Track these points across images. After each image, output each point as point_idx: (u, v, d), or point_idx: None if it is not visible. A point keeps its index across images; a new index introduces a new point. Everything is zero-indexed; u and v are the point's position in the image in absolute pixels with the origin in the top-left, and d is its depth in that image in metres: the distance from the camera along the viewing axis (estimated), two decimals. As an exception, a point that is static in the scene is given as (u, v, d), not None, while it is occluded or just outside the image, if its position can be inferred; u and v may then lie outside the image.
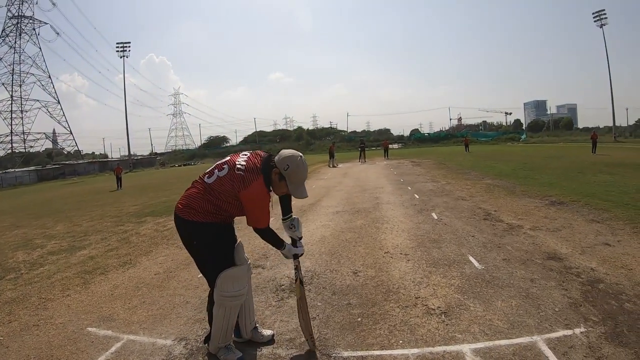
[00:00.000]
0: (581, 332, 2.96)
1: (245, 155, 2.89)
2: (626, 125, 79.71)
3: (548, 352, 2.70)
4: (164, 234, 7.76)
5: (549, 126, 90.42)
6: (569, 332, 2.98)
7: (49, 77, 77.86)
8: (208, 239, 2.80)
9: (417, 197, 10.05)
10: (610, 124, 61.76)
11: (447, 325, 3.20)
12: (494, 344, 2.86)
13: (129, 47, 69.97)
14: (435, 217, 7.33)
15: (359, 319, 3.42)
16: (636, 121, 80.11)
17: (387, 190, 11.76)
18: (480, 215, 7.29)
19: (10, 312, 4.18)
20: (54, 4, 75.78)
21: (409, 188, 11.91)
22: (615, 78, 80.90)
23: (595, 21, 59.80)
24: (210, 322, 2.94)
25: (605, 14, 58.89)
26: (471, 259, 4.81)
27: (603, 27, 59.01)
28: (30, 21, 74.42)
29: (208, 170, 2.90)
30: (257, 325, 3.25)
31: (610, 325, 3.04)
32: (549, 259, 4.68)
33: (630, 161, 17.53)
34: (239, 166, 2.74)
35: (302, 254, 3.07)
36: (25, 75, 74.54)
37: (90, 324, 3.73)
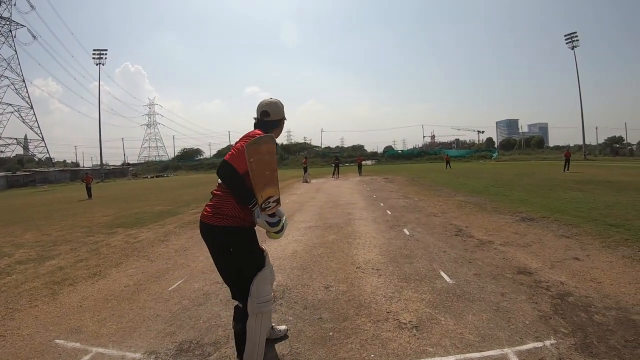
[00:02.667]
0: (551, 344, 2.96)
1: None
2: (596, 144, 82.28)
3: (519, 365, 2.68)
4: (135, 246, 7.57)
5: (521, 144, 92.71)
6: (539, 344, 2.97)
7: (23, 81, 76.62)
8: (245, 243, 2.71)
9: (390, 213, 10.04)
10: (581, 143, 63.75)
11: (418, 339, 3.15)
12: (465, 356, 2.83)
13: (106, 54, 69.13)
14: (407, 233, 7.31)
15: (331, 334, 3.35)
16: (605, 140, 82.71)
17: (359, 206, 11.73)
18: (452, 232, 7.31)
19: (-24, 321, 3.98)
20: (32, 6, 74.69)
21: (382, 204, 11.91)
22: (586, 98, 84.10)
23: (567, 43, 62.16)
24: (240, 342, 2.76)
25: (577, 36, 61.32)
26: (442, 274, 4.78)
27: (574, 48, 61.33)
28: (7, 23, 73.14)
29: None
30: (273, 323, 3.29)
31: (580, 337, 3.06)
32: (519, 273, 4.70)
33: (600, 178, 18.04)
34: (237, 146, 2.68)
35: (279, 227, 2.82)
36: (-1, 77, 72.69)
37: (58, 336, 3.61)
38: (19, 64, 76.36)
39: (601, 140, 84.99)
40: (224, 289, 4.65)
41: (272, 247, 6.50)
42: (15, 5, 72.75)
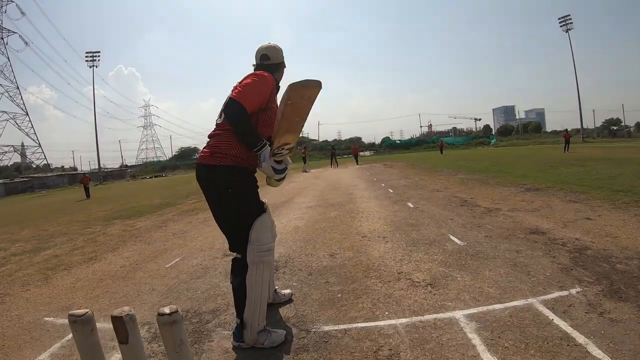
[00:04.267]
0: (577, 292, 2.78)
1: None
2: (593, 127, 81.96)
3: (547, 312, 2.50)
4: (132, 233, 7.39)
5: (518, 130, 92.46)
6: (564, 292, 2.79)
7: (17, 88, 75.66)
8: (244, 184, 2.50)
9: (392, 191, 9.86)
10: (578, 127, 63.48)
11: (434, 295, 2.96)
12: (488, 308, 2.63)
13: (99, 56, 68.32)
14: (412, 206, 7.12)
15: (339, 295, 3.15)
16: (603, 122, 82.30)
17: (360, 187, 11.54)
18: (457, 203, 7.12)
19: (-35, 307, 3.81)
20: (23, 13, 73.68)
21: (383, 185, 11.74)
22: (582, 81, 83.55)
23: (561, 26, 61.55)
24: (239, 300, 2.48)
25: (570, 19, 60.69)
26: (452, 237, 4.60)
27: (569, 31, 60.81)
28: None
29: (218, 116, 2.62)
30: (276, 287, 3.16)
31: (606, 284, 2.88)
32: (532, 233, 4.52)
33: (600, 156, 17.85)
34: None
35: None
36: (-8, 86, 71.94)
37: (47, 315, 3.45)
38: (12, 71, 75.25)
39: (599, 123, 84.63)
40: (224, 262, 4.50)
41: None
42: (5, 12, 71.66)
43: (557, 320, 2.38)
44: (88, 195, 22.72)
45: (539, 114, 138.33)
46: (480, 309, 2.63)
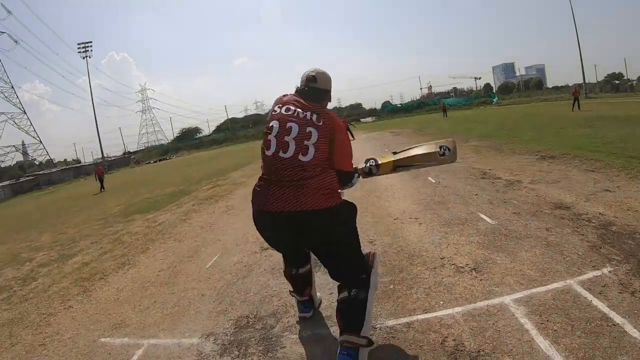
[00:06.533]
0: (609, 272, 3.04)
1: (292, 106, 2.47)
2: (596, 81, 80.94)
3: (585, 293, 2.77)
4: (157, 229, 7.52)
5: (520, 87, 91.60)
6: (597, 272, 3.06)
7: (12, 87, 75.22)
8: (353, 216, 2.54)
9: (408, 164, 10.02)
10: (579, 82, 62.85)
11: (481, 280, 3.23)
12: (532, 292, 2.91)
13: (91, 46, 68.23)
14: (433, 181, 7.39)
15: (391, 287, 3.39)
16: (605, 77, 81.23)
17: (376, 161, 11.71)
18: (477, 175, 7.38)
19: (10, 334, 3.80)
20: (9, 11, 72.52)
21: (397, 157, 11.86)
22: (583, 37, 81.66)
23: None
24: (360, 316, 2.38)
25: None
26: (482, 215, 4.87)
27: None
28: None
29: (271, 153, 2.41)
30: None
31: (634, 262, 3.14)
32: (557, 208, 4.77)
33: (606, 114, 17.91)
34: (310, 114, 2.40)
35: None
36: (-13, 88, 71.59)
37: (102, 334, 3.44)
38: (5, 71, 74.80)
39: (601, 78, 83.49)
40: (264, 258, 4.65)
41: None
42: None
43: (595, 302, 2.65)
44: (103, 188, 22.05)
45: (540, 70, 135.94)
46: (525, 292, 2.92)
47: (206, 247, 5.60)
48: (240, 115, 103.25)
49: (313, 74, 2.59)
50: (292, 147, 2.34)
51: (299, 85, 2.61)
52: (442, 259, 3.79)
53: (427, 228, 4.76)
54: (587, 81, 63.71)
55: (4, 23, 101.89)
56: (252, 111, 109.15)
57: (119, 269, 5.35)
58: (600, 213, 4.40)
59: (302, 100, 2.48)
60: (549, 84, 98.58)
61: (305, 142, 2.33)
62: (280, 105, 2.49)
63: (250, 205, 2.58)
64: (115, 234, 7.85)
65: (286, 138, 2.35)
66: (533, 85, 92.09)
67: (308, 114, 2.40)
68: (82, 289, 4.80)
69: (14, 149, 77.03)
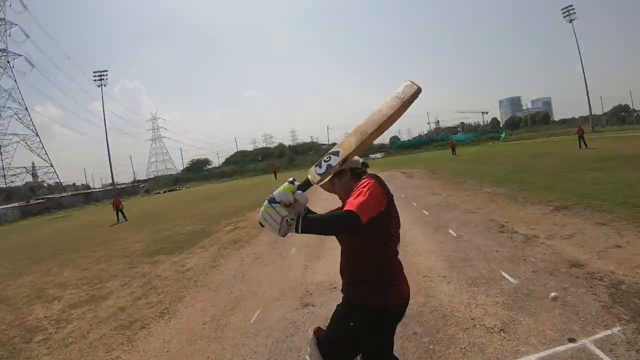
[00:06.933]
0: (618, 331, 3.57)
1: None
2: (601, 113, 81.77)
3: (598, 352, 3.30)
4: (187, 275, 7.71)
5: (527, 121, 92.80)
6: (608, 332, 3.58)
7: (26, 109, 78.49)
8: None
9: (427, 213, 10.61)
10: (586, 114, 63.80)
11: (508, 341, 3.74)
12: (553, 351, 3.44)
13: (107, 75, 70.91)
14: (454, 235, 7.91)
15: (431, 347, 3.84)
16: (611, 109, 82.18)
17: (395, 210, 12.23)
18: (495, 228, 7.91)
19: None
20: (27, 35, 76.57)
21: (415, 204, 12.44)
22: (588, 69, 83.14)
23: (564, 16, 62.18)
24: None
25: (573, 9, 61.42)
26: (504, 274, 5.37)
27: (572, 22, 61.41)
28: (4, 54, 74.89)
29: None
30: None
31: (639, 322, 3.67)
32: (572, 266, 5.29)
33: (615, 152, 18.42)
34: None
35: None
36: (1, 109, 75.14)
37: None
38: (20, 93, 78.34)
39: (607, 109, 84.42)
40: (307, 315, 4.92)
41: (323, 270, 6.71)
42: (10, 36, 74.54)
43: (606, 359, 3.20)
44: (124, 218, 22.52)
45: (546, 103, 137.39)
46: (548, 352, 3.44)
47: (244, 300, 5.80)
48: (249, 148, 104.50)
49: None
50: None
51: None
52: (472, 319, 4.29)
53: (455, 287, 5.26)
54: (593, 113, 64.53)
55: (21, 46, 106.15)
56: (260, 144, 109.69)
57: (159, 318, 5.49)
58: (611, 271, 4.92)
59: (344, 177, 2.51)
60: (556, 117, 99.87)
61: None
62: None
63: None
64: (143, 277, 8.02)
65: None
66: (540, 119, 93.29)
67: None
68: (125, 338, 4.96)
69: (24, 170, 79.24)
